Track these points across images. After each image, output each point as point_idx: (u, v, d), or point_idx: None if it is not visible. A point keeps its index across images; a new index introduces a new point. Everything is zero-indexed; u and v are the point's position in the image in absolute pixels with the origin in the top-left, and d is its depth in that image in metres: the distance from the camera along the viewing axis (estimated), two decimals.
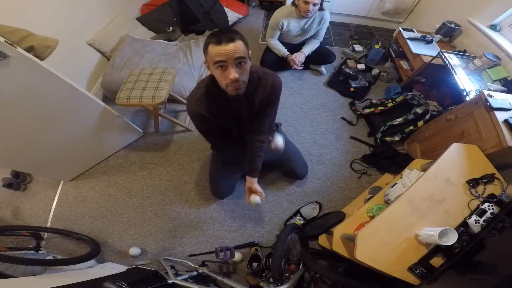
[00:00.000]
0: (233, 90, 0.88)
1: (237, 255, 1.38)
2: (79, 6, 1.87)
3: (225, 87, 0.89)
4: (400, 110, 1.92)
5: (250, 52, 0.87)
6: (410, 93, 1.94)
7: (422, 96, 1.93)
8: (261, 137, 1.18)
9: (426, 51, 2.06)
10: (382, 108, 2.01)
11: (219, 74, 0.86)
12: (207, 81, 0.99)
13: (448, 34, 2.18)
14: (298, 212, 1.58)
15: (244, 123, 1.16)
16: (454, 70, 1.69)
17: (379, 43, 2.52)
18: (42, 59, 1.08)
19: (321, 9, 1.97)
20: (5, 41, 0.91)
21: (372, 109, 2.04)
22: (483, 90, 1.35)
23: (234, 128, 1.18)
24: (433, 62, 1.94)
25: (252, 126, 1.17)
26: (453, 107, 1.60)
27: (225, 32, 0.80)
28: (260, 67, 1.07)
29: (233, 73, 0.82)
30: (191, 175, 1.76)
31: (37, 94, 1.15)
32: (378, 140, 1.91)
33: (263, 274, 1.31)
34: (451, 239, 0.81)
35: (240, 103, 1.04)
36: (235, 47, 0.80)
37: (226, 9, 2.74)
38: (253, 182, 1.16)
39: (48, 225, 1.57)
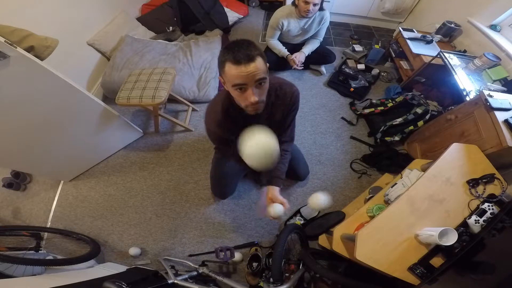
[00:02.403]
0: (253, 111, 0.86)
1: (237, 255, 1.38)
2: (79, 6, 1.87)
3: (244, 107, 0.85)
4: (400, 110, 1.92)
5: (268, 65, 0.82)
6: (410, 93, 1.94)
7: (422, 96, 1.93)
8: (284, 146, 1.17)
9: (426, 51, 2.06)
10: (382, 108, 2.01)
11: (238, 95, 0.81)
12: (222, 98, 0.95)
13: (448, 34, 2.18)
14: (298, 212, 1.58)
15: None
16: (454, 70, 1.69)
17: (379, 43, 2.52)
18: (42, 59, 1.08)
19: (321, 9, 1.96)
20: (5, 41, 0.91)
21: (372, 109, 2.04)
22: (483, 90, 1.35)
23: None
24: (433, 62, 1.94)
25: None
26: (453, 107, 1.60)
27: (243, 48, 0.72)
28: (274, 76, 1.01)
29: (253, 97, 0.78)
30: (191, 175, 1.76)
31: (37, 94, 1.15)
32: (378, 140, 1.91)
33: (263, 274, 1.31)
34: (451, 239, 0.81)
35: (259, 118, 1.02)
36: (256, 67, 0.73)
37: (226, 9, 2.74)
38: (275, 190, 1.08)
39: (48, 225, 1.57)
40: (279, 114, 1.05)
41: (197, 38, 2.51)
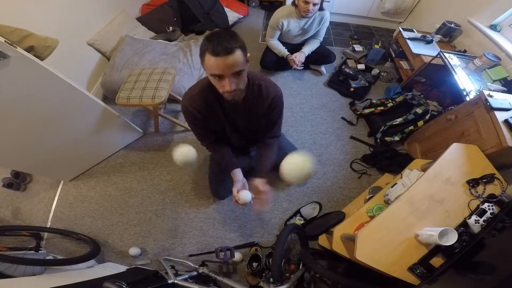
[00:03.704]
0: (229, 97, 0.89)
1: (237, 255, 1.38)
2: (79, 6, 1.87)
3: (222, 93, 0.89)
4: (400, 110, 1.92)
5: (248, 55, 0.84)
6: (410, 93, 1.94)
7: (422, 96, 1.93)
8: (269, 141, 1.20)
9: (426, 51, 2.06)
10: (382, 108, 2.01)
11: (215, 83, 0.85)
12: (204, 83, 0.97)
13: (448, 34, 2.18)
14: (298, 212, 1.58)
15: (242, 131, 1.17)
16: (454, 70, 1.69)
17: (379, 43, 2.52)
18: (42, 59, 1.08)
19: (321, 9, 1.96)
20: (5, 41, 0.91)
21: (372, 109, 2.04)
22: (483, 90, 1.35)
23: (231, 134, 1.18)
24: (433, 62, 1.94)
25: (261, 133, 1.19)
26: (453, 107, 1.60)
27: (223, 40, 0.73)
28: (261, 73, 1.05)
29: (228, 86, 0.81)
30: (191, 175, 1.76)
31: (37, 94, 1.15)
32: (378, 140, 1.91)
33: (263, 274, 1.31)
34: (451, 239, 0.81)
35: (237, 111, 1.04)
36: (233, 60, 0.75)
37: (226, 9, 2.74)
38: (261, 182, 1.09)
39: (48, 225, 1.57)
40: (259, 110, 1.06)
41: (197, 38, 2.51)
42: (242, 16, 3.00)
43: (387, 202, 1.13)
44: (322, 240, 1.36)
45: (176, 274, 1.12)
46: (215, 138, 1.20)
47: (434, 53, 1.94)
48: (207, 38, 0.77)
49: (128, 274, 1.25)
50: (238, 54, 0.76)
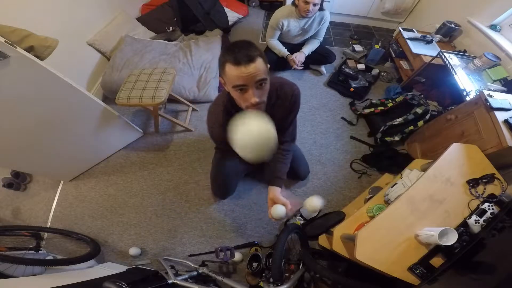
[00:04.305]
0: (253, 111, 0.85)
1: (237, 255, 1.38)
2: (79, 6, 1.87)
3: (245, 109, 0.85)
4: (400, 110, 1.92)
5: (268, 66, 0.81)
6: (410, 93, 1.94)
7: (422, 96, 1.93)
8: (285, 146, 1.17)
9: (426, 51, 2.06)
10: (382, 108, 2.01)
11: (238, 96, 0.81)
12: (224, 99, 0.95)
13: (448, 34, 2.18)
14: (298, 212, 1.58)
15: None
16: (454, 70, 1.69)
17: (379, 43, 2.52)
18: (42, 59, 1.08)
19: (321, 9, 1.96)
20: (5, 41, 0.91)
21: (372, 109, 2.04)
22: (483, 90, 1.35)
23: None
24: (433, 62, 1.94)
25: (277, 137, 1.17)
26: (453, 107, 1.60)
27: (243, 49, 0.73)
28: (275, 76, 1.00)
29: (253, 98, 0.77)
30: (191, 175, 1.76)
31: (37, 94, 1.15)
32: (378, 140, 1.91)
33: (263, 274, 1.31)
34: (451, 239, 0.81)
35: None
36: (256, 68, 0.73)
37: (226, 9, 2.74)
38: (276, 191, 1.06)
39: (48, 225, 1.57)
40: (279, 114, 1.05)
41: (197, 38, 2.51)
42: (242, 16, 2.99)
43: (387, 202, 1.13)
44: (322, 240, 1.36)
45: (176, 274, 1.12)
46: None
47: (434, 53, 1.94)
48: (226, 49, 0.76)
49: (128, 274, 1.25)
50: (260, 62, 0.75)
